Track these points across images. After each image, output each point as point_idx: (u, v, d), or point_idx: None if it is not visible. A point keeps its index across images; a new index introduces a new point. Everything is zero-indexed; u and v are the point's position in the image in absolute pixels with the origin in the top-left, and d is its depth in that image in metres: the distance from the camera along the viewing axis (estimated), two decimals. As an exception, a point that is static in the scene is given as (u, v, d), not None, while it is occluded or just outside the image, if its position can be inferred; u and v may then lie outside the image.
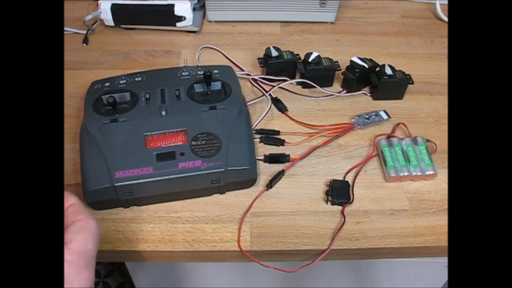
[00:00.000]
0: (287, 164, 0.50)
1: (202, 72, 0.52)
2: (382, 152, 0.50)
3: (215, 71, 0.52)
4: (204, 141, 0.45)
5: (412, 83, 0.58)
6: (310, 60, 0.57)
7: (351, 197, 0.47)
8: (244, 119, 0.49)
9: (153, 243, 0.43)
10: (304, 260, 0.45)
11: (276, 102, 0.57)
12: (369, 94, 0.59)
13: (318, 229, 0.45)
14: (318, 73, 0.58)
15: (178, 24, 0.66)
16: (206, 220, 0.45)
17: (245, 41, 0.67)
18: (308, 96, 0.58)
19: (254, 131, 0.53)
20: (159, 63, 0.63)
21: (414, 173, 0.48)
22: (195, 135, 0.46)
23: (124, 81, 0.51)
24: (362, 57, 0.58)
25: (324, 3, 0.68)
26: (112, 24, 0.66)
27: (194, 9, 0.67)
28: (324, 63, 0.58)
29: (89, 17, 0.65)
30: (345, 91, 0.59)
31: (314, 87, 0.58)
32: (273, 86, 0.58)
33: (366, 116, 0.55)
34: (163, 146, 0.45)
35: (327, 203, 0.47)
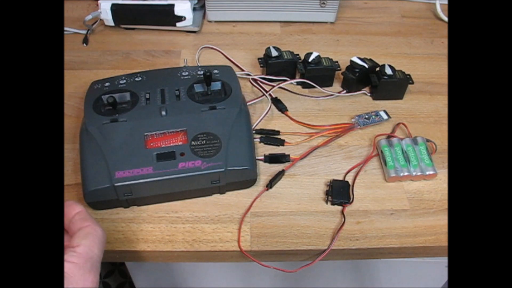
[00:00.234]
0: (287, 164, 0.50)
1: (202, 72, 0.52)
2: (382, 152, 0.50)
3: (215, 71, 0.52)
4: (204, 141, 0.45)
5: (412, 83, 0.58)
6: (310, 60, 0.57)
7: (351, 197, 0.47)
8: (244, 119, 0.49)
9: (153, 243, 0.43)
10: (304, 260, 0.45)
11: (276, 102, 0.57)
12: (369, 94, 0.59)
13: (318, 229, 0.45)
14: (318, 73, 0.58)
15: (178, 24, 0.66)
16: (206, 220, 0.45)
17: (245, 41, 0.67)
18: (308, 96, 0.58)
19: (254, 131, 0.53)
20: (159, 63, 0.63)
21: (414, 173, 0.48)
22: (195, 135, 0.46)
23: (124, 81, 0.51)
24: (362, 57, 0.58)
25: (324, 3, 0.68)
26: (112, 24, 0.66)
27: (194, 9, 0.67)
28: (324, 63, 0.58)
29: (89, 17, 0.65)
30: (345, 91, 0.59)
31: (314, 87, 0.58)
32: (273, 86, 0.58)
33: (366, 116, 0.55)
34: (163, 146, 0.45)
35: (327, 203, 0.47)
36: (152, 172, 0.43)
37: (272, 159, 0.50)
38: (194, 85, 0.51)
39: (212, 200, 0.47)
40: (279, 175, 0.48)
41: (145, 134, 0.46)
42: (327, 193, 0.47)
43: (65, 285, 0.29)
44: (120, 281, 1.19)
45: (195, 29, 0.67)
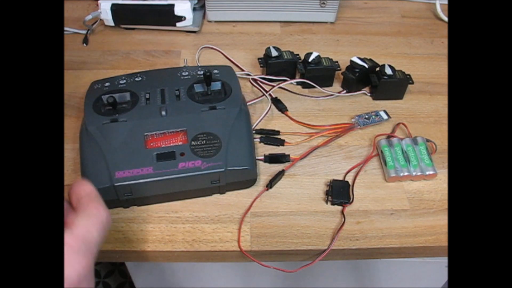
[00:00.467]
0: (287, 164, 0.50)
1: (202, 72, 0.52)
2: (382, 152, 0.50)
3: (215, 71, 0.52)
4: (204, 141, 0.45)
5: (412, 83, 0.58)
6: (310, 60, 0.57)
7: (351, 197, 0.47)
8: (244, 119, 0.49)
9: (153, 243, 0.43)
10: (304, 260, 0.45)
11: (276, 102, 0.57)
12: (369, 94, 0.59)
13: (318, 229, 0.45)
14: (318, 73, 0.58)
15: (178, 24, 0.66)
16: (206, 220, 0.45)
17: (245, 41, 0.67)
18: (308, 96, 0.58)
19: (254, 131, 0.53)
20: (159, 63, 0.63)
21: (414, 173, 0.48)
22: (195, 135, 0.46)
23: (124, 81, 0.51)
24: (362, 57, 0.58)
25: (324, 3, 0.68)
26: (112, 24, 0.66)
27: (194, 9, 0.67)
28: (324, 63, 0.58)
29: (89, 17, 0.65)
30: (345, 91, 0.59)
31: (314, 87, 0.58)
32: (273, 86, 0.58)
33: (366, 116, 0.55)
34: (163, 146, 0.45)
35: (327, 203, 0.47)
36: (152, 172, 0.43)
37: (272, 159, 0.50)
38: (194, 85, 0.51)
39: (212, 200, 0.47)
40: (279, 175, 0.48)
41: (145, 134, 0.46)
42: (327, 193, 0.47)
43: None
44: (120, 281, 1.19)
45: (195, 29, 0.67)
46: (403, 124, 0.55)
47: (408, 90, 0.59)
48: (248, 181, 0.47)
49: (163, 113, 0.47)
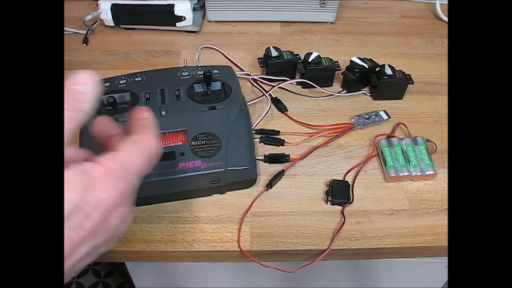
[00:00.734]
0: (287, 164, 0.50)
1: (202, 72, 0.52)
2: (382, 152, 0.50)
3: (215, 71, 0.52)
4: (204, 141, 0.45)
5: (412, 83, 0.58)
6: (310, 60, 0.57)
7: (351, 197, 0.47)
8: (244, 119, 0.49)
9: (153, 243, 0.43)
10: (304, 260, 0.45)
11: (276, 102, 0.57)
12: (369, 94, 0.59)
13: (318, 229, 0.45)
14: (318, 73, 0.58)
15: (178, 24, 0.66)
16: (206, 220, 0.45)
17: (245, 41, 0.67)
18: (308, 96, 0.58)
19: (254, 131, 0.53)
20: (159, 63, 0.63)
21: (414, 173, 0.48)
22: (195, 135, 0.46)
23: (124, 81, 0.51)
24: (362, 57, 0.58)
25: (324, 3, 0.68)
26: (112, 24, 0.66)
27: (194, 9, 0.67)
28: (324, 63, 0.58)
29: (89, 17, 0.66)
30: (345, 91, 0.59)
31: (314, 87, 0.58)
32: (273, 86, 0.58)
33: (366, 116, 0.55)
34: (163, 146, 0.45)
35: (327, 203, 0.47)
36: (152, 172, 0.43)
37: (272, 159, 0.50)
38: (194, 85, 0.51)
39: (212, 200, 0.47)
40: (279, 175, 0.48)
41: (145, 134, 0.46)
42: (327, 193, 0.47)
43: (87, 188, 0.25)
44: (120, 281, 1.19)
45: (195, 29, 0.67)
46: (403, 124, 0.55)
47: (408, 90, 0.59)
48: (248, 181, 0.47)
49: (163, 113, 0.47)
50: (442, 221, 0.46)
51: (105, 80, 0.52)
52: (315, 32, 0.69)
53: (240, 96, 0.51)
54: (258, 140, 0.52)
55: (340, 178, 0.49)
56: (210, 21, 0.70)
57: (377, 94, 0.58)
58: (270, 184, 0.47)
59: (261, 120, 0.54)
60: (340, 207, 0.47)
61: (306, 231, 0.45)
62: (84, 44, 0.65)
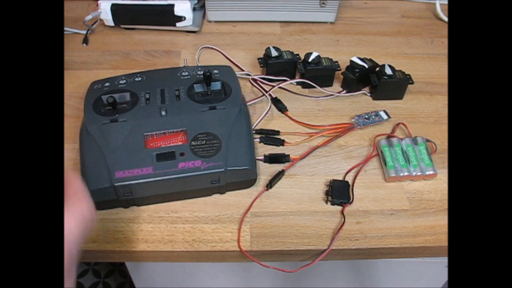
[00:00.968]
0: (287, 164, 0.50)
1: (202, 72, 0.52)
2: (382, 152, 0.50)
3: (215, 71, 0.52)
4: (204, 141, 0.45)
5: (412, 83, 0.58)
6: (310, 60, 0.57)
7: (351, 197, 0.47)
8: (244, 119, 0.49)
9: (153, 243, 0.43)
10: (304, 260, 0.45)
11: (276, 102, 0.57)
12: (369, 94, 0.59)
13: (318, 229, 0.45)
14: (318, 73, 0.58)
15: (178, 24, 0.66)
16: (206, 220, 0.45)
17: (245, 41, 0.67)
18: (308, 96, 0.58)
19: (254, 131, 0.53)
20: (159, 63, 0.63)
21: (414, 173, 0.48)
22: (195, 135, 0.46)
23: (124, 81, 0.51)
24: (362, 57, 0.58)
25: (324, 3, 0.68)
26: (112, 24, 0.66)
27: (194, 9, 0.67)
28: (324, 63, 0.58)
29: (89, 17, 0.66)
30: (345, 91, 0.59)
31: (314, 87, 0.58)
32: (273, 86, 0.58)
33: (366, 116, 0.55)
34: (163, 146, 0.45)
35: (327, 203, 0.47)
36: (152, 172, 0.43)
37: (272, 159, 0.50)
38: (194, 85, 0.51)
39: (212, 200, 0.47)
40: (279, 175, 0.48)
41: (145, 134, 0.46)
42: (327, 193, 0.47)
43: None
44: (120, 281, 1.19)
45: (195, 29, 0.67)
46: (403, 124, 0.55)
47: (408, 90, 0.59)
48: (248, 181, 0.47)
49: (163, 113, 0.47)
50: (442, 221, 0.46)
51: (105, 80, 0.52)
52: (315, 32, 0.69)
53: (240, 96, 0.51)
54: (258, 140, 0.52)
55: (340, 178, 0.49)
56: (210, 21, 0.70)
57: (377, 94, 0.58)
58: (270, 184, 0.47)
59: (261, 120, 0.54)
60: (340, 207, 0.47)
61: (306, 231, 0.45)
62: (84, 44, 0.65)
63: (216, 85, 0.52)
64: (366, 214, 0.46)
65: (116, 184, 0.42)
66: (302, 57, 0.59)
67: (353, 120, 0.55)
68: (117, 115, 0.47)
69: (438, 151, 0.52)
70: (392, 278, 0.69)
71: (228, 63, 0.62)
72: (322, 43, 0.67)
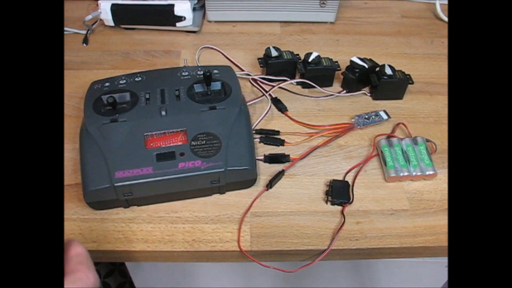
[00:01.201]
0: (287, 164, 0.50)
1: (202, 72, 0.52)
2: (382, 152, 0.50)
3: (215, 71, 0.52)
4: (204, 141, 0.45)
5: (412, 83, 0.58)
6: (310, 60, 0.57)
7: (351, 197, 0.47)
8: (244, 119, 0.49)
9: (153, 243, 0.43)
10: (304, 260, 0.45)
11: (276, 102, 0.57)
12: (369, 94, 0.59)
13: (318, 229, 0.45)
14: (318, 73, 0.58)
15: (178, 24, 0.66)
16: (206, 220, 0.45)
17: (245, 41, 0.67)
18: (308, 96, 0.58)
19: (254, 131, 0.53)
20: (159, 63, 0.63)
21: (414, 173, 0.48)
22: (195, 135, 0.46)
23: (124, 81, 0.51)
24: (362, 57, 0.58)
25: (324, 3, 0.68)
26: (112, 24, 0.66)
27: (194, 9, 0.67)
28: (324, 63, 0.58)
29: (89, 17, 0.66)
30: (345, 91, 0.59)
31: (314, 87, 0.58)
32: (273, 86, 0.58)
33: (366, 116, 0.55)
34: (163, 146, 0.45)
35: (327, 203, 0.47)
36: (152, 172, 0.43)
37: (272, 159, 0.50)
38: (194, 85, 0.51)
39: (212, 200, 0.47)
40: (279, 175, 0.48)
41: (145, 134, 0.46)
42: (327, 193, 0.47)
43: None
44: (120, 281, 1.19)
45: (195, 29, 0.67)
46: (403, 124, 0.55)
47: (408, 90, 0.59)
48: (248, 181, 0.47)
49: (163, 113, 0.47)
50: (442, 221, 0.46)
51: (105, 80, 0.52)
52: (315, 32, 0.69)
53: (240, 96, 0.51)
54: (258, 140, 0.52)
55: (340, 178, 0.49)
56: (210, 21, 0.70)
57: (377, 94, 0.58)
58: (270, 184, 0.47)
59: (261, 120, 0.54)
60: (340, 207, 0.47)
61: (306, 231, 0.45)
62: (84, 44, 0.65)
63: (216, 85, 0.52)
64: (366, 214, 0.46)
65: (116, 184, 0.42)
66: (302, 57, 0.59)
67: (353, 120, 0.55)
68: (117, 115, 0.47)
69: (438, 151, 0.52)
70: (392, 278, 0.69)
71: (228, 63, 0.62)
72: (322, 43, 0.67)
